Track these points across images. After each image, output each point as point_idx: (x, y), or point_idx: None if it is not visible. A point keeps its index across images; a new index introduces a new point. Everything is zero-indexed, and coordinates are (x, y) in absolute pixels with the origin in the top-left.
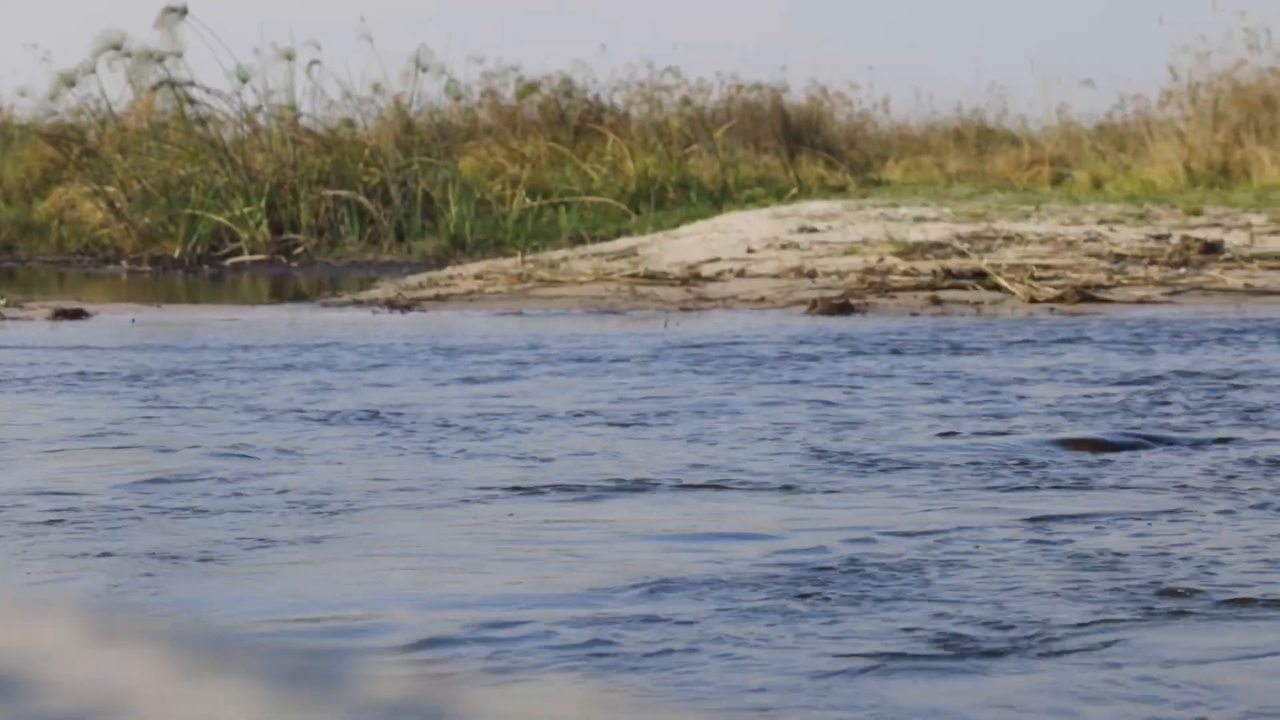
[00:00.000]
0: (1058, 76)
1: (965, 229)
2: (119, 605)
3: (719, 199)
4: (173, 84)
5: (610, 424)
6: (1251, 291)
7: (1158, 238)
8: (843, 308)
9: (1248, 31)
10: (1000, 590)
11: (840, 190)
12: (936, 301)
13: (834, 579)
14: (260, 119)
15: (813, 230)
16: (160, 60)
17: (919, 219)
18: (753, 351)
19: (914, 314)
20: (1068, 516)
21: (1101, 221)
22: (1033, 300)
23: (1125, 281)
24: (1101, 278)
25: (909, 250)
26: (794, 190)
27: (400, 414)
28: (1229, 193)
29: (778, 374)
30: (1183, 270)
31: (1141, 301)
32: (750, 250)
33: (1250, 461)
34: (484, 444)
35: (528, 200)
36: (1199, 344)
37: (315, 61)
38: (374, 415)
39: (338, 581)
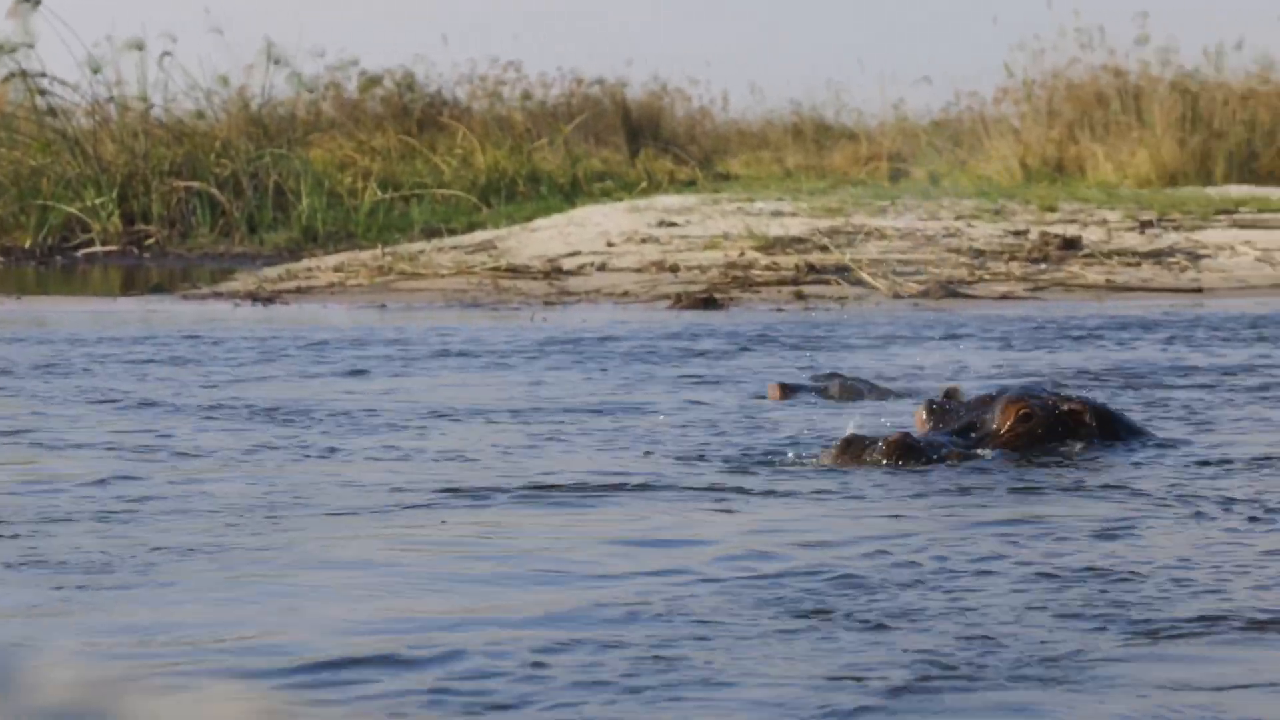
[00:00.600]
0: (895, 73)
1: (824, 224)
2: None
3: (570, 193)
4: (24, 75)
5: (516, 422)
6: (1113, 287)
7: (1016, 233)
8: (708, 302)
9: (1080, 30)
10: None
11: (690, 184)
12: (800, 296)
13: (798, 591)
14: (111, 110)
15: (672, 224)
16: (12, 51)
17: (777, 214)
18: (630, 347)
19: (779, 308)
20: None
21: (959, 217)
22: (896, 295)
23: (988, 277)
24: (963, 273)
25: (770, 245)
26: (643, 184)
27: (293, 412)
28: (1069, 188)
29: (659, 369)
30: (1043, 266)
31: (1005, 297)
32: (610, 244)
33: (1198, 463)
34: (393, 443)
35: (379, 193)
36: (1079, 339)
37: (167, 53)
38: (263, 413)
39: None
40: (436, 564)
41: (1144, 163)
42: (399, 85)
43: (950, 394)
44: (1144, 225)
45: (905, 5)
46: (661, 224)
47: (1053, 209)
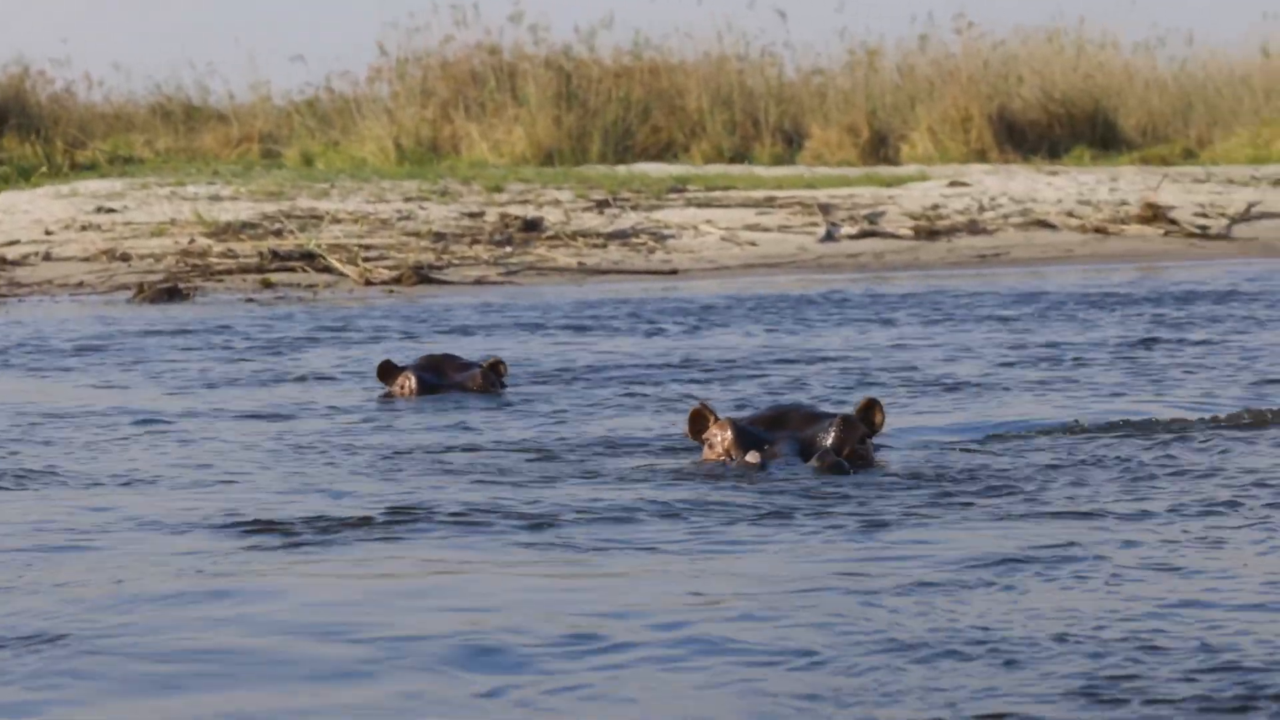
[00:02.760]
0: (268, 52)
1: (270, 207)
2: None
3: None
4: None
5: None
6: (585, 270)
7: (472, 215)
8: (172, 293)
9: (455, 7)
10: None
11: (92, 169)
12: (269, 285)
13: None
14: None
15: (110, 210)
16: None
17: (215, 198)
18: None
19: (249, 298)
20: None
21: (407, 199)
22: (368, 282)
23: (456, 261)
24: (430, 257)
25: (221, 230)
26: (43, 168)
27: None
28: (444, 166)
29: (140, 369)
30: (509, 249)
31: (480, 282)
32: (49, 232)
33: None
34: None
35: None
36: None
37: None
38: None
39: None
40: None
41: (520, 141)
42: None
43: None
44: (601, 205)
45: None
46: (100, 210)
47: (499, 189)
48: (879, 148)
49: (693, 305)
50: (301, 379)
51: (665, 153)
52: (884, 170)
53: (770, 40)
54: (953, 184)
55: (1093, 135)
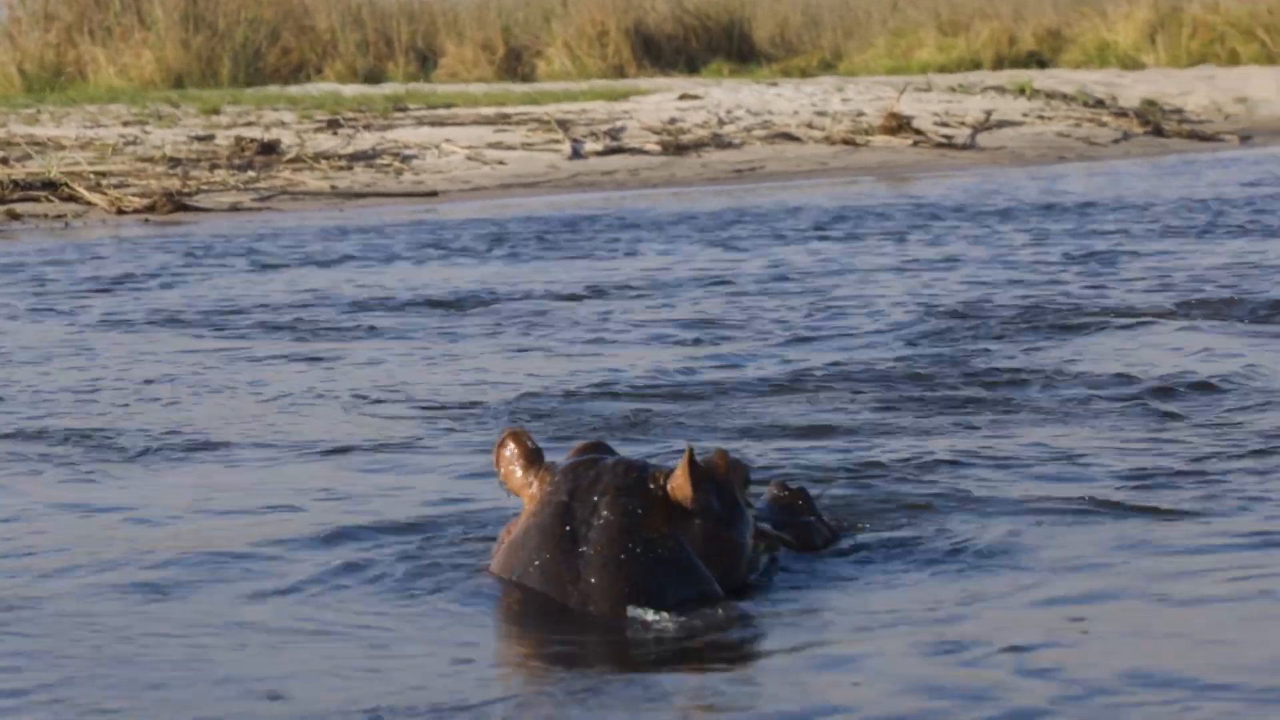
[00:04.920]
0: None
1: None
2: None
3: None
4: None
5: None
6: (341, 194)
7: (201, 139)
8: None
9: None
10: None
11: None
12: (15, 216)
13: None
14: None
15: None
16: None
17: None
18: None
19: None
20: None
21: (126, 124)
22: (120, 211)
23: (205, 187)
24: (176, 184)
25: None
26: None
27: None
28: (72, 92)
29: None
30: (251, 173)
31: (236, 208)
32: None
33: None
34: None
35: None
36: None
37: None
38: None
39: None
40: None
41: (149, 65)
42: None
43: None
44: (332, 125)
45: None
46: None
47: (216, 111)
48: (514, 64)
49: (494, 229)
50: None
51: (298, 74)
52: (620, 84)
53: None
54: (683, 97)
55: (730, 48)
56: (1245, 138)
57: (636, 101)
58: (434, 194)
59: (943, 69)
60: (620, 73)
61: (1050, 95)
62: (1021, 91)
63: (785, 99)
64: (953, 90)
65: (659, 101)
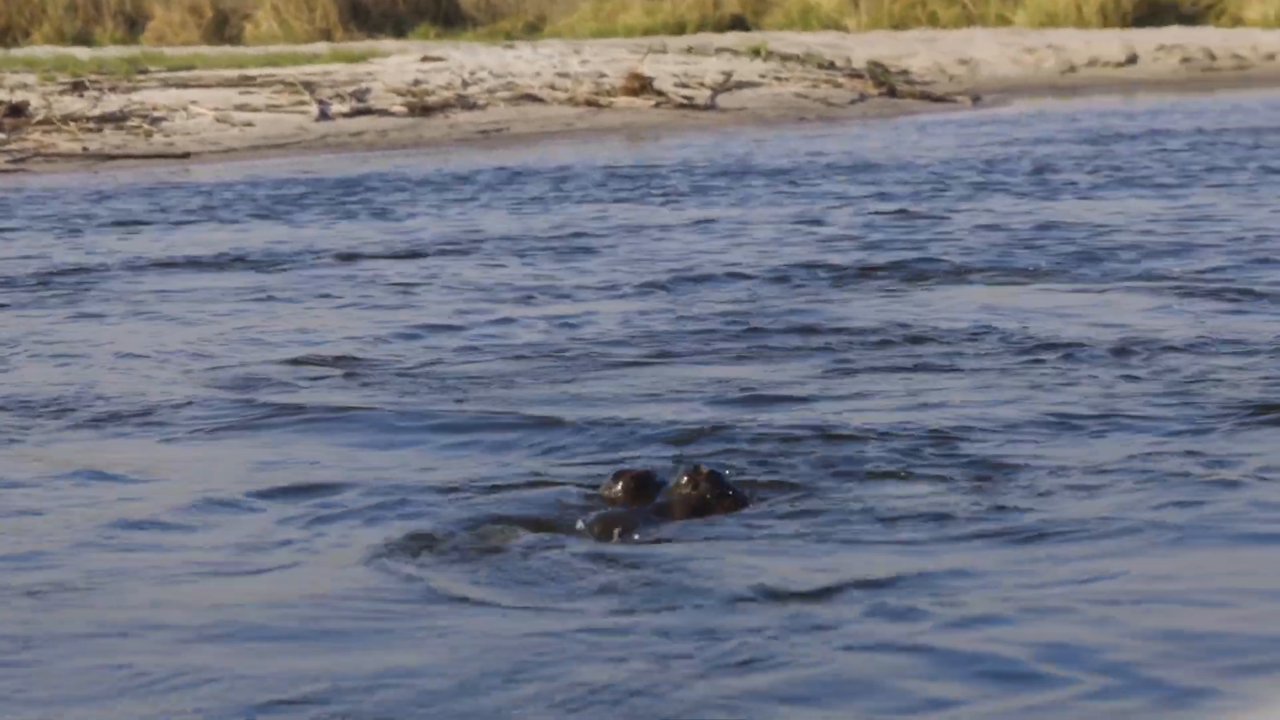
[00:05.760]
0: None
1: None
2: None
3: None
4: None
5: None
6: (94, 155)
7: None
8: None
9: None
10: None
11: None
12: None
13: None
14: None
15: None
16: None
17: None
18: None
19: None
20: None
21: None
22: None
23: None
24: None
25: None
26: None
27: None
28: None
29: None
30: (1, 135)
31: None
32: None
33: None
34: None
35: None
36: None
37: None
38: None
39: None
40: None
41: None
42: None
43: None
44: (77, 87)
45: None
46: None
47: None
48: (223, 27)
49: (256, 192)
50: None
51: (4, 38)
52: (356, 45)
53: None
54: (425, 59)
55: (436, 12)
56: (976, 98)
57: (379, 63)
58: (186, 155)
59: (648, 31)
60: (328, 36)
61: (785, 57)
62: (756, 53)
63: (525, 61)
64: (688, 52)
65: (401, 63)
